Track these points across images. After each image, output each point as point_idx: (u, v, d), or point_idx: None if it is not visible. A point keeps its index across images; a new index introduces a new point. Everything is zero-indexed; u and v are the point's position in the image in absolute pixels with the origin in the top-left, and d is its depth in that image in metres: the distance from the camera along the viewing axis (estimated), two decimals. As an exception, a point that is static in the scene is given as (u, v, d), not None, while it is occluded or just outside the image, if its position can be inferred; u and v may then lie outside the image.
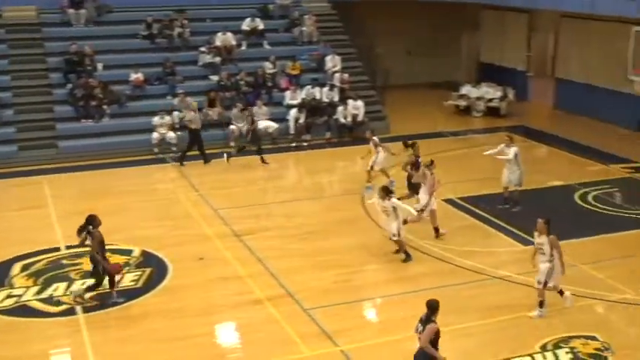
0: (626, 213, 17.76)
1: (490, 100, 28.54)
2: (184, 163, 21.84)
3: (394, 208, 14.75)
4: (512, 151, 17.39)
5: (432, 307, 9.66)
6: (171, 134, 22.99)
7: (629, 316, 12.88)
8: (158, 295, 13.67)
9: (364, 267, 14.90)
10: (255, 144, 21.84)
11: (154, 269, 14.68)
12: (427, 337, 9.53)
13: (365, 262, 15.10)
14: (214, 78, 25.35)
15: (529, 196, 18.27)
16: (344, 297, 13.47)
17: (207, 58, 25.78)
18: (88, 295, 13.29)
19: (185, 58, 26.07)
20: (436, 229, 16.13)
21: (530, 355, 11.46)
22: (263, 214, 18.09)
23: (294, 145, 23.87)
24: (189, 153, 22.07)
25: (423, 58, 32.94)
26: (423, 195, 16.06)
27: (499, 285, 13.98)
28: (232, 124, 23.61)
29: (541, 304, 12.66)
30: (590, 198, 18.80)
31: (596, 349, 11.64)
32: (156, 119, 23.02)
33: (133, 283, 14.04)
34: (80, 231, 13.10)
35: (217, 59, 25.79)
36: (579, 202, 18.52)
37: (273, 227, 17.08)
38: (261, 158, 21.68)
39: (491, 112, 28.27)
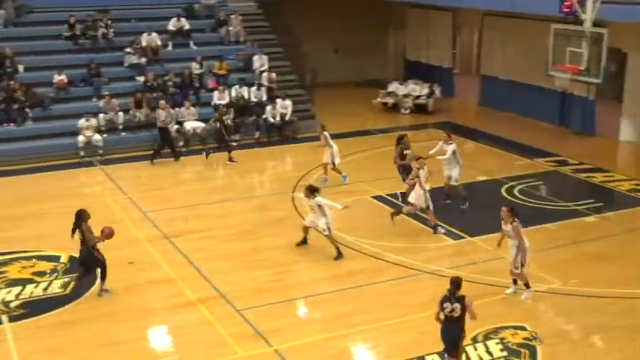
0: (550, 205, 18.22)
1: (417, 97, 28.93)
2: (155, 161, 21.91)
3: (319, 206, 14.86)
4: (450, 148, 17.68)
5: (457, 283, 10.43)
6: (97, 137, 22.55)
7: (556, 306, 13.20)
8: (88, 301, 13.39)
9: (296, 266, 14.89)
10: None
11: (83, 275, 14.35)
12: (473, 309, 10.40)
13: (297, 260, 15.10)
14: (140, 79, 24.98)
15: (457, 190, 18.51)
16: (277, 296, 13.45)
17: (133, 59, 25.39)
18: (105, 286, 13.52)
19: (110, 59, 25.61)
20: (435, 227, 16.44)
21: (461, 347, 11.63)
22: (193, 215, 17.92)
23: (222, 145, 23.66)
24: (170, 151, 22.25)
25: (351, 57, 33.19)
26: (417, 190, 16.32)
27: (431, 280, 14.15)
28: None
29: (527, 286, 13.29)
30: (516, 191, 19.22)
31: (525, 338, 11.90)
32: (81, 122, 22.54)
33: (61, 290, 13.73)
34: (74, 229, 13.26)
35: (143, 60, 25.43)
36: (506, 195, 18.90)
37: (204, 228, 16.93)
38: (230, 157, 21.97)
39: (419, 109, 28.64)
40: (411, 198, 16.50)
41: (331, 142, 19.53)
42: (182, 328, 12.45)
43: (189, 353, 11.68)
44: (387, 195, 18.78)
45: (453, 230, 16.46)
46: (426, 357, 11.36)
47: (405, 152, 18.22)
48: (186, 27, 26.95)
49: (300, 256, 15.25)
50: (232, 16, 27.95)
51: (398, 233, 16.50)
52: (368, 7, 31.98)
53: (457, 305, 10.32)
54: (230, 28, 27.54)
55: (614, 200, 19.12)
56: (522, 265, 13.14)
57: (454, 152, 17.70)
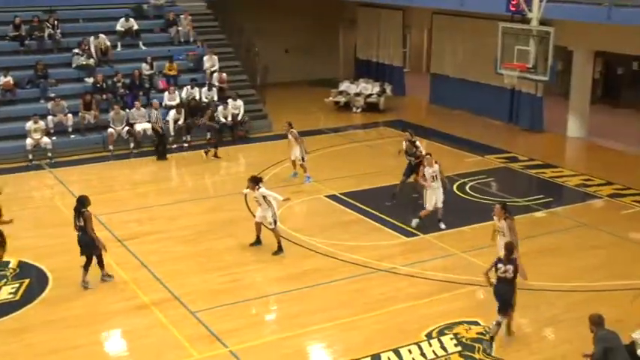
0: (501, 201, 18.43)
1: (369, 95, 29.07)
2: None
3: (264, 197, 14.91)
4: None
5: (510, 248, 11.55)
6: (46, 140, 22.16)
7: (507, 300, 13.40)
8: (38, 306, 13.16)
9: (251, 266, 14.85)
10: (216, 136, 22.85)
11: (33, 280, 14.15)
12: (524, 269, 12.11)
13: (252, 261, 15.06)
14: (89, 80, 24.62)
15: (409, 188, 18.69)
16: (231, 297, 13.40)
17: (81, 60, 25.01)
18: (105, 271, 13.99)
19: (58, 60, 25.19)
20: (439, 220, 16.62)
21: (416, 343, 11.72)
22: (146, 217, 17.75)
23: (174, 146, 23.51)
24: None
25: (302, 56, 33.19)
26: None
27: (384, 277, 14.24)
28: (111, 127, 23.00)
29: None
30: (467, 188, 19.45)
31: (479, 333, 12.05)
32: (29, 124, 22.09)
33: (10, 296, 13.47)
34: (76, 215, 13.58)
35: (92, 61, 25.08)
36: (457, 192, 19.11)
37: (157, 230, 16.78)
38: (215, 153, 22.40)
39: (370, 107, 28.78)
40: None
41: (300, 138, 19.67)
42: (136, 332, 12.33)
43: (144, 357, 11.58)
44: (340, 194, 18.82)
45: (406, 228, 16.58)
46: (382, 354, 11.42)
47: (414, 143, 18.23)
48: (135, 27, 26.64)
49: (255, 257, 15.21)
50: (182, 16, 27.75)
51: (351, 232, 16.57)
52: (318, 7, 32.03)
53: (510, 267, 11.40)
54: (180, 29, 27.32)
55: (563, 195, 19.48)
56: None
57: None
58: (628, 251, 15.54)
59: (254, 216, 15.94)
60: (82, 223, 13.54)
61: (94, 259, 13.83)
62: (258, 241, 15.56)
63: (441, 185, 16.47)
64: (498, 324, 11.53)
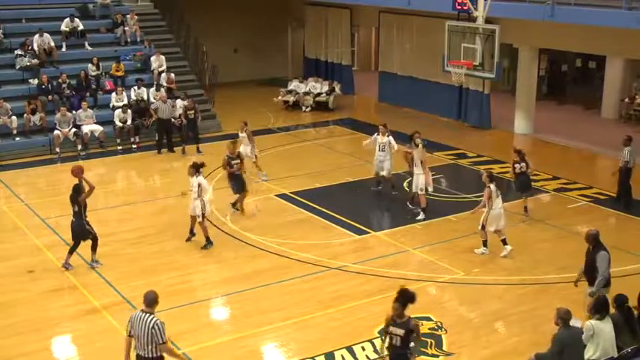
0: (451, 197, 18.68)
1: (318, 94, 29.11)
2: (162, 151, 22.89)
3: (199, 186, 14.98)
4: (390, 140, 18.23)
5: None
6: (-9, 142, 21.75)
7: (459, 295, 13.57)
8: (-15, 313, 12.93)
9: (202, 267, 14.77)
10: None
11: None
12: None
13: (203, 262, 14.98)
14: (34, 82, 24.17)
15: (360, 186, 18.80)
16: (183, 299, 13.31)
17: (25, 61, 24.55)
18: (95, 256, 14.67)
19: (1, 62, 24.70)
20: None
21: (369, 340, 11.79)
22: (95, 220, 17.31)
23: (120, 148, 23.21)
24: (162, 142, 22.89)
25: (251, 55, 33.11)
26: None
27: (337, 275, 14.29)
28: (57, 129, 22.62)
29: (484, 244, 15.01)
30: (417, 185, 19.57)
31: (431, 328, 12.17)
32: (-28, 127, 21.69)
33: (-44, 303, 13.20)
34: (72, 202, 14.24)
35: (36, 62, 24.63)
36: (408, 189, 19.21)
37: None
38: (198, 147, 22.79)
39: (320, 106, 28.81)
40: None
41: (253, 138, 19.81)
42: (87, 337, 12.17)
43: (96, 361, 11.45)
44: (291, 193, 18.81)
45: (357, 226, 16.65)
46: (335, 352, 11.46)
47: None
48: (81, 27, 26.22)
49: (206, 258, 15.13)
50: (128, 16, 27.43)
51: (303, 230, 16.59)
52: (266, 6, 31.99)
53: None
54: (126, 28, 27.00)
55: (511, 191, 19.72)
56: (483, 227, 14.70)
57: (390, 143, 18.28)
58: (574, 244, 15.80)
59: (207, 218, 15.87)
60: (76, 209, 14.16)
61: (90, 244, 14.54)
62: (191, 236, 15.68)
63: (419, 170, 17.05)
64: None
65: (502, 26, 19.99)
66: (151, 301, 9.33)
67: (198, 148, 22.75)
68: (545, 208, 18.22)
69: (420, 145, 16.90)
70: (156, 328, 9.12)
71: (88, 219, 14.39)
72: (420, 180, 16.92)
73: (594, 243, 11.41)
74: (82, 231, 14.31)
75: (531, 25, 21.89)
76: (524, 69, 24.88)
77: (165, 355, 9.40)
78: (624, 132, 19.87)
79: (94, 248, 14.57)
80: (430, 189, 17.21)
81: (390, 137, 18.26)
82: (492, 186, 14.69)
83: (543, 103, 27.32)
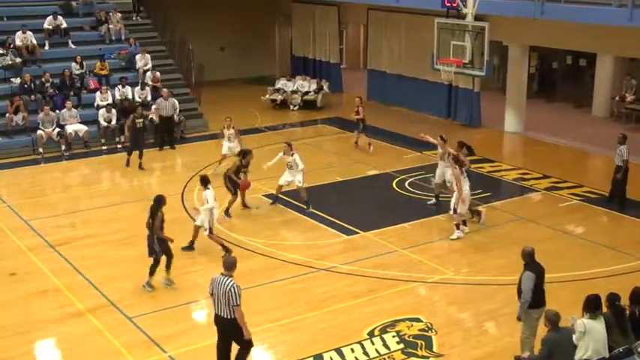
0: (440, 197, 18.47)
1: (306, 93, 28.91)
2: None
3: (207, 199, 14.66)
4: (294, 158, 17.50)
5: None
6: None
7: (448, 296, 13.42)
8: (-34, 317, 12.66)
9: (190, 268, 14.52)
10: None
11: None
12: None
13: (191, 263, 14.73)
14: (16, 81, 23.82)
15: (349, 186, 18.60)
16: (170, 301, 13.10)
17: (7, 60, 24.20)
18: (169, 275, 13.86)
19: (-18, 60, 24.40)
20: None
21: (358, 342, 11.63)
22: (79, 221, 17.25)
23: (105, 148, 22.90)
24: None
25: (238, 54, 32.88)
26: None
27: (325, 276, 14.11)
28: (40, 128, 22.29)
29: (457, 227, 15.57)
30: (406, 184, 19.44)
31: (421, 329, 12.02)
32: (-47, 127, 21.34)
33: (-64, 307, 12.92)
34: (151, 215, 13.42)
35: (18, 60, 24.28)
36: (397, 189, 19.10)
37: (92, 235, 16.32)
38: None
39: (308, 105, 28.61)
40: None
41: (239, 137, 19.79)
42: (72, 340, 11.94)
43: (80, 366, 11.21)
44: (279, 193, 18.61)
45: (346, 226, 16.46)
46: (324, 354, 11.29)
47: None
48: (64, 25, 25.90)
49: (193, 259, 14.89)
50: (111, 14, 27.11)
51: (291, 231, 16.44)
52: (253, 3, 31.77)
53: None
54: (110, 26, 26.69)
55: (501, 190, 19.63)
56: (455, 210, 15.39)
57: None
58: (565, 243, 15.72)
59: (193, 219, 15.63)
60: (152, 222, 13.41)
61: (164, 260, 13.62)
62: (191, 246, 15.18)
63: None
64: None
65: (492, 23, 19.83)
66: (231, 264, 10.15)
67: (140, 164, 21.02)
68: (536, 207, 18.10)
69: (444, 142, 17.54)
70: (232, 290, 9.91)
71: (163, 236, 13.43)
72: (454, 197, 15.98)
73: (527, 260, 10.89)
74: (159, 246, 13.48)
75: (521, 22, 21.75)
76: (515, 67, 24.77)
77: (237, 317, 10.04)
78: (615, 130, 19.83)
79: (167, 266, 13.65)
80: (460, 209, 15.88)
81: (296, 155, 17.59)
82: (459, 169, 15.38)
83: (534, 101, 27.23)
